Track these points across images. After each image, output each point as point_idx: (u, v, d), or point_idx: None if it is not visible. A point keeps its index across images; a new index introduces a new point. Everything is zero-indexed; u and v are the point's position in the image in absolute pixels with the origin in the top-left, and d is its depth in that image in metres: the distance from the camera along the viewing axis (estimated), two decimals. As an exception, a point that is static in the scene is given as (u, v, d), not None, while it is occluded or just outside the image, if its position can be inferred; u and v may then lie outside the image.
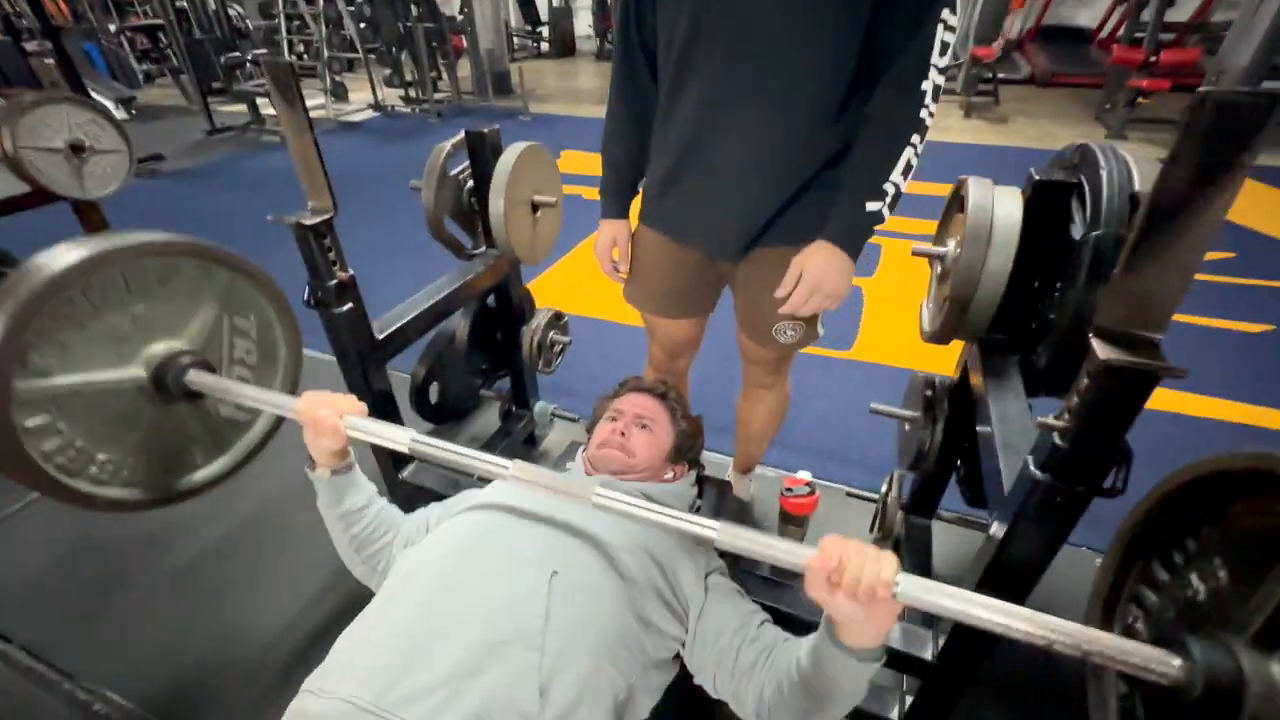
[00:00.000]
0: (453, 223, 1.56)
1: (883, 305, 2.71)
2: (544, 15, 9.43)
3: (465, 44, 6.57)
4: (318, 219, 1.00)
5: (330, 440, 0.79)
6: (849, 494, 1.63)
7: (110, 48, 7.64)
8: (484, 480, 1.05)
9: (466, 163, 1.49)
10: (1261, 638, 0.52)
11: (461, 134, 1.43)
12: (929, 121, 0.92)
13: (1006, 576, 0.81)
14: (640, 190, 1.24)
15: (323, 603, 1.46)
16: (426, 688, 0.63)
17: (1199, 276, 2.91)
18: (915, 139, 0.93)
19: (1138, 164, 0.90)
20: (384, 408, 1.29)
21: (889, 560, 0.58)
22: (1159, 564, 0.66)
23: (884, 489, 1.52)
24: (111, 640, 1.41)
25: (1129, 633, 0.69)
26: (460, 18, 6.46)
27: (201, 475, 1.01)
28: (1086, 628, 0.54)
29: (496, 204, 1.38)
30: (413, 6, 5.97)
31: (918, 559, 1.46)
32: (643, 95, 1.11)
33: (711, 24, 0.93)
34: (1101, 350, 0.62)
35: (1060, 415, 0.69)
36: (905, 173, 0.95)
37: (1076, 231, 0.95)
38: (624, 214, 1.24)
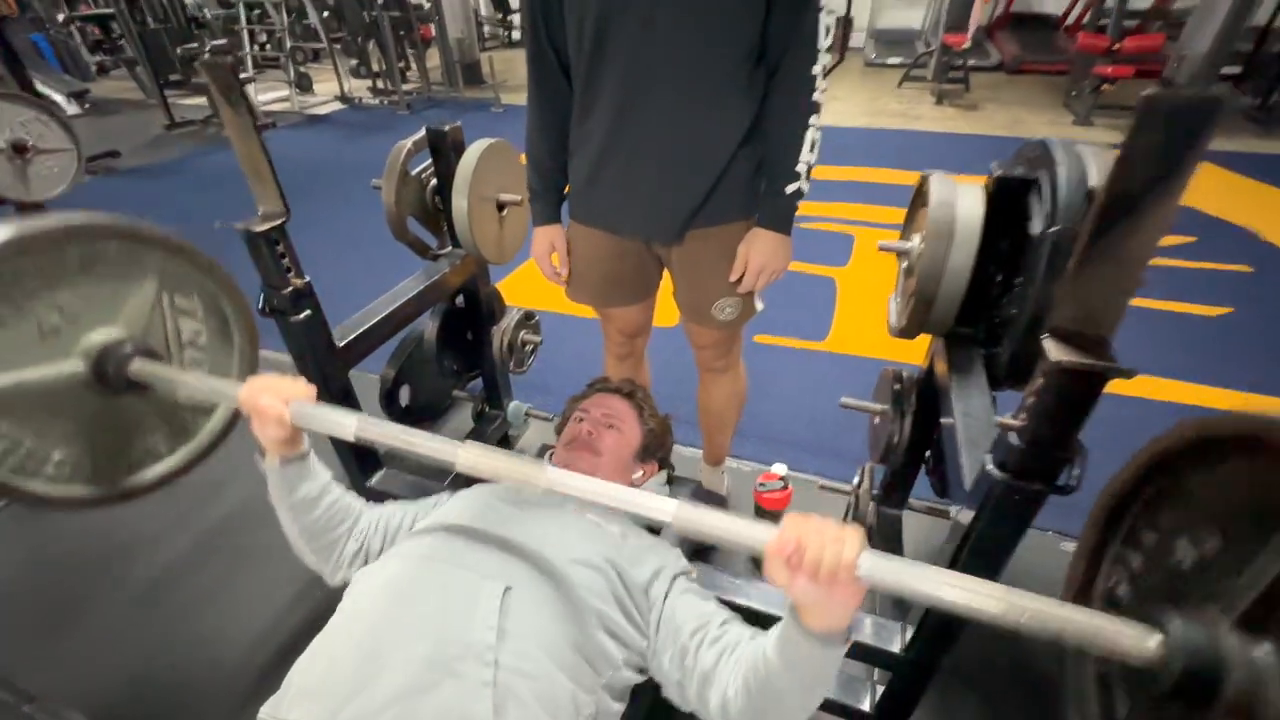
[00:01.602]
0: (416, 223, 1.53)
1: (856, 295, 2.73)
2: (514, 3, 9.26)
3: (434, 33, 6.42)
4: (269, 224, 0.97)
5: (275, 430, 0.75)
6: (822, 487, 1.64)
7: (59, 38, 7.32)
8: (453, 487, 1.04)
9: (429, 161, 1.45)
10: (1249, 619, 0.47)
11: (423, 131, 1.40)
12: (822, 99, 1.03)
13: (971, 568, 0.82)
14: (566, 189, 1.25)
15: (292, 615, 1.43)
16: (377, 707, 0.62)
17: (1160, 261, 2.97)
18: (814, 120, 1.04)
19: (1094, 159, 0.91)
20: (349, 415, 1.26)
21: (852, 539, 0.53)
22: (1146, 528, 0.60)
23: (856, 481, 1.54)
24: (75, 659, 1.37)
25: (1111, 599, 0.64)
26: (428, 6, 6.30)
27: (167, 465, 0.93)
28: (1059, 602, 0.49)
29: (460, 203, 1.35)
30: (378, -6, 5.81)
31: (890, 550, 1.47)
32: (560, 96, 1.13)
33: (618, 19, 0.97)
34: (1054, 351, 0.62)
35: (1017, 415, 0.69)
36: (812, 149, 1.06)
37: (1035, 227, 0.96)
38: (557, 218, 1.26)
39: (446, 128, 1.35)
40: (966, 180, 1.05)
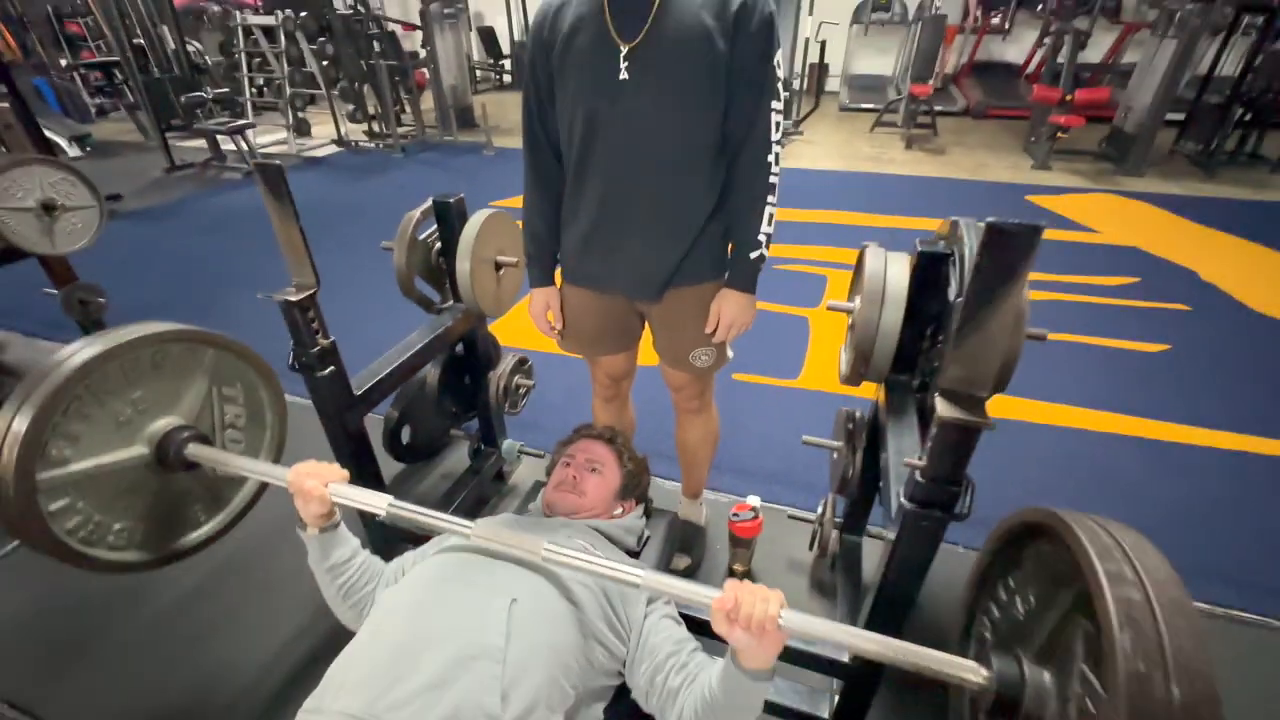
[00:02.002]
0: (421, 279, 1.70)
1: (828, 335, 2.92)
2: (506, 49, 9.66)
3: (428, 79, 6.70)
4: (303, 294, 1.13)
5: (317, 506, 0.93)
6: (790, 516, 1.79)
7: (61, 83, 7.54)
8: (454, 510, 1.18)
9: (434, 226, 1.63)
10: (1041, 654, 0.71)
11: (430, 201, 1.58)
12: (776, 180, 1.21)
13: (900, 578, 0.98)
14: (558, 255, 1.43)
15: (303, 641, 1.54)
16: (409, 695, 0.77)
17: (1106, 301, 3.19)
18: (770, 198, 1.22)
19: (994, 240, 1.10)
20: (361, 455, 1.41)
21: (775, 598, 0.74)
22: (1002, 589, 0.84)
23: (820, 510, 1.70)
24: (94, 687, 1.46)
25: (980, 639, 0.88)
26: (423, 54, 6.61)
27: (205, 530, 1.13)
28: (919, 646, 0.72)
29: (463, 265, 1.52)
30: (374, 44, 6.10)
31: (851, 572, 1.63)
32: (553, 176, 1.32)
33: (604, 119, 1.16)
34: (941, 408, 0.79)
35: (921, 456, 0.86)
36: (769, 221, 1.24)
37: (951, 294, 1.15)
38: (551, 280, 1.43)
39: (451, 200, 1.54)
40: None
